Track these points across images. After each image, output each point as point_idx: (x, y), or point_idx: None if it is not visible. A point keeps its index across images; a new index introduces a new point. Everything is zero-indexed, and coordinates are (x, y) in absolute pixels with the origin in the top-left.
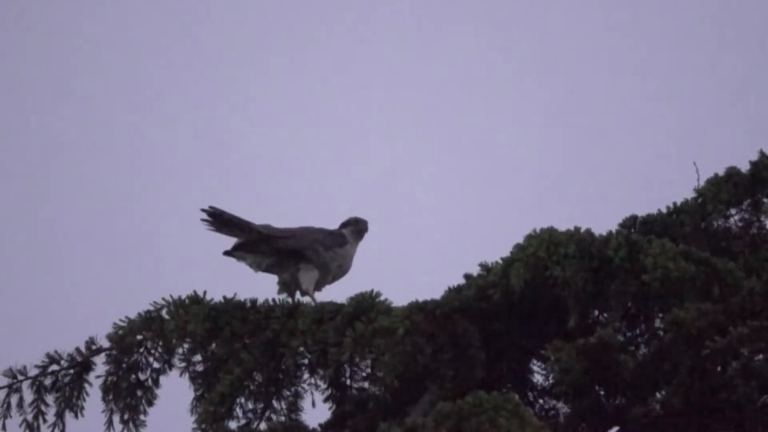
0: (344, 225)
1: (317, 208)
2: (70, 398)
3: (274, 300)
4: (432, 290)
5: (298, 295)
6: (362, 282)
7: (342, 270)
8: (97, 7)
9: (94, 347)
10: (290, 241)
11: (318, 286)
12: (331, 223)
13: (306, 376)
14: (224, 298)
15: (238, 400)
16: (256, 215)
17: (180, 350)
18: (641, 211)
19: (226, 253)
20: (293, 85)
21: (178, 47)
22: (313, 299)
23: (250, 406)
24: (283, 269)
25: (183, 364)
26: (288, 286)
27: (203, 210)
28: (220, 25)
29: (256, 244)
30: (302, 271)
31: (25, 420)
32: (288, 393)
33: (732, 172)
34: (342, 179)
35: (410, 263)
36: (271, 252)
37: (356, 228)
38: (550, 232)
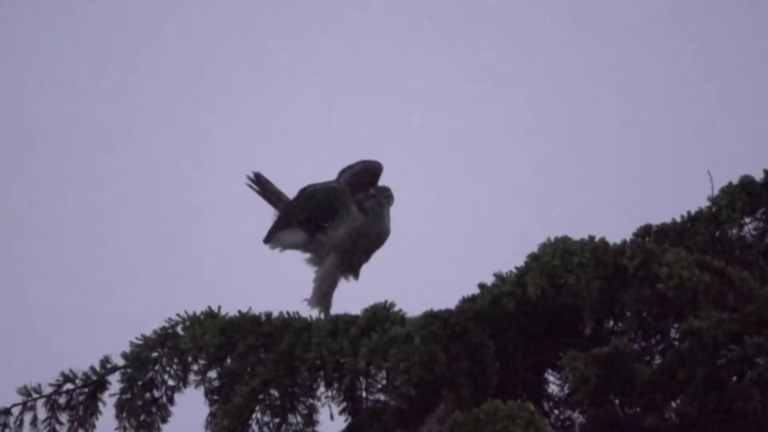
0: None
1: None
2: (84, 417)
3: (288, 313)
4: (446, 300)
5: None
6: (376, 293)
7: (373, 242)
8: None
9: (109, 366)
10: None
11: (352, 267)
12: None
13: (322, 389)
14: (239, 312)
15: (254, 415)
16: None
17: (195, 367)
18: (655, 221)
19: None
20: (307, 91)
21: (176, 48)
22: (326, 312)
23: (266, 419)
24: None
25: (198, 377)
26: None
27: (250, 176)
28: (221, 23)
29: (285, 218)
30: (321, 269)
31: None
32: (303, 406)
33: (746, 181)
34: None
35: (424, 273)
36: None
37: (377, 201)
38: (565, 240)
